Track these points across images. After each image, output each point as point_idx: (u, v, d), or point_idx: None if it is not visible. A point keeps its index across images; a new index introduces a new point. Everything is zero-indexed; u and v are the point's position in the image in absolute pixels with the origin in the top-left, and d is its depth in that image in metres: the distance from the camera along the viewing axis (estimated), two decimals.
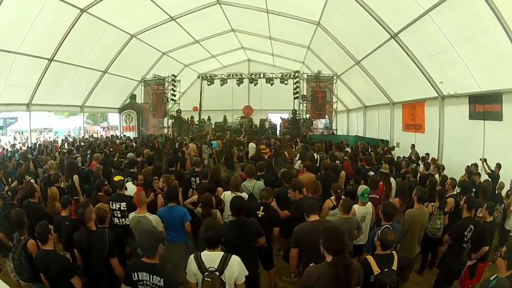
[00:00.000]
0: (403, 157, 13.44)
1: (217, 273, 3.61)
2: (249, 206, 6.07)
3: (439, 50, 11.67)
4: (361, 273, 3.52)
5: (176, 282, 3.89)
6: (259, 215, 5.71)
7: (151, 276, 3.67)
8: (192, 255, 3.83)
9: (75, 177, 8.43)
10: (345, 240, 3.35)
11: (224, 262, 3.65)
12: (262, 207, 5.85)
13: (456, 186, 8.11)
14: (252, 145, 15.45)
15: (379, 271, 3.80)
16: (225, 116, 28.08)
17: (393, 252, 4.06)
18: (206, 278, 3.60)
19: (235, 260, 3.71)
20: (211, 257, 3.71)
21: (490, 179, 8.82)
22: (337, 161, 10.51)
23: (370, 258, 3.92)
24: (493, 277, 4.04)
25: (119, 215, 6.19)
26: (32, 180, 8.71)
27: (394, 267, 3.94)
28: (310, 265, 3.61)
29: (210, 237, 3.76)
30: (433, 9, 10.35)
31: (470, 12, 9.36)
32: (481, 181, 8.87)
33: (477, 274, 6.02)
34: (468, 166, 10.17)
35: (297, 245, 4.77)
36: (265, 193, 6.04)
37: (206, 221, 4.86)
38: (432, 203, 6.76)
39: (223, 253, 3.75)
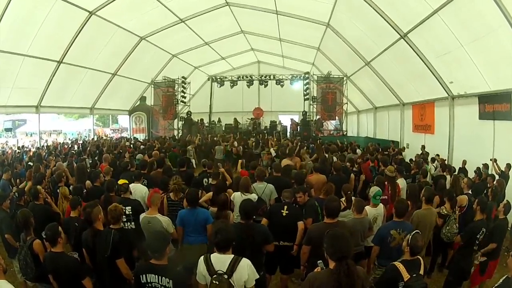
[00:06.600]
0: (421, 156, 13.27)
1: (226, 276, 3.59)
2: (274, 205, 6.37)
3: (448, 50, 11.57)
4: (365, 280, 3.43)
5: (185, 283, 3.87)
6: (284, 214, 5.77)
7: (159, 277, 3.66)
8: (202, 257, 3.82)
9: (87, 182, 8.33)
10: (350, 246, 3.21)
11: (233, 266, 3.63)
12: (286, 207, 5.89)
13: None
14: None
15: (409, 277, 3.73)
16: (235, 118, 27.74)
17: (419, 257, 4.01)
18: (214, 281, 3.59)
19: (244, 263, 3.69)
20: (221, 260, 3.70)
21: (503, 180, 8.70)
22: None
23: (399, 265, 3.85)
24: (504, 277, 3.99)
25: (125, 219, 6.09)
26: None
27: (421, 272, 3.88)
28: (315, 269, 3.57)
29: (220, 241, 3.74)
30: (441, 8, 10.29)
31: (478, 11, 9.31)
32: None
33: (488, 271, 5.97)
34: (478, 168, 10.05)
35: (310, 243, 4.83)
36: (287, 194, 6.07)
37: (216, 224, 4.82)
38: (444, 206, 6.71)
39: (233, 256, 3.73)
